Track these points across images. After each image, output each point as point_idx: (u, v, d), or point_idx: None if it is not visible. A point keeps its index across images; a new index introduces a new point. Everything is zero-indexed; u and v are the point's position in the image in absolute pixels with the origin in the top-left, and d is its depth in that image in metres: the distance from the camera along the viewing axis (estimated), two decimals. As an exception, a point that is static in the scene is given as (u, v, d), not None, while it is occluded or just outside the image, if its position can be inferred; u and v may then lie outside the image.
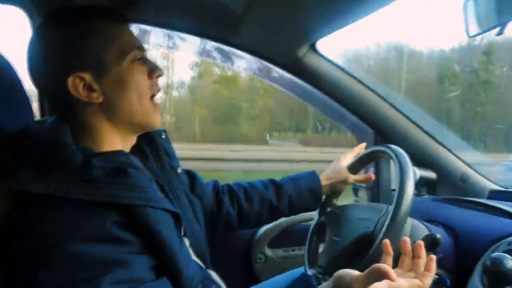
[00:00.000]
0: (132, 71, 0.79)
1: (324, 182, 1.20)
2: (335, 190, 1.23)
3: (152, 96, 0.83)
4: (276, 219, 1.26)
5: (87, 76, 0.75)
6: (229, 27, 1.18)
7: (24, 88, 0.85)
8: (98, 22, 0.77)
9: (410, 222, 1.01)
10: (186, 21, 1.24)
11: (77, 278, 0.62)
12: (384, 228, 0.87)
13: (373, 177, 1.26)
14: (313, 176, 1.21)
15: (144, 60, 0.82)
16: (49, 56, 0.76)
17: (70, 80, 0.74)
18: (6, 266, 0.67)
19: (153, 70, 0.82)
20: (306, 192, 1.18)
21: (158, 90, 0.85)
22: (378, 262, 0.84)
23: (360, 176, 1.24)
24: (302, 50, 1.29)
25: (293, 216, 1.49)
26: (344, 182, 1.21)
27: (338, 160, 1.24)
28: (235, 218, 1.15)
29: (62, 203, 0.65)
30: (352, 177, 1.21)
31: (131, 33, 0.83)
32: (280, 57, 1.35)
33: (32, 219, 0.66)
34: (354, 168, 1.21)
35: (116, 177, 0.70)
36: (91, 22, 0.77)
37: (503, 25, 0.83)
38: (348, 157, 1.24)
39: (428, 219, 1.13)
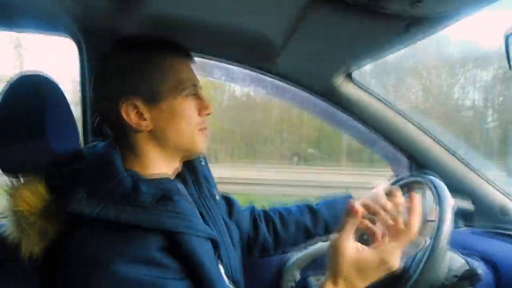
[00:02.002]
0: (184, 106, 0.81)
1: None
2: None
3: (201, 129, 0.85)
4: (312, 244, 1.26)
5: (140, 104, 0.78)
6: (268, 56, 1.22)
7: (72, 112, 0.90)
8: (160, 54, 0.81)
9: (449, 255, 0.99)
10: (226, 50, 1.29)
11: None
12: (422, 264, 0.85)
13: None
14: (349, 200, 1.20)
15: (197, 96, 0.85)
16: (108, 79, 0.81)
17: (123, 106, 0.78)
18: (55, 284, 0.71)
19: (203, 108, 0.85)
20: (342, 216, 1.17)
21: (205, 126, 0.87)
22: None
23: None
24: (338, 79, 1.31)
25: (326, 244, 1.48)
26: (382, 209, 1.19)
27: (378, 184, 1.22)
28: (271, 243, 1.16)
29: (111, 226, 0.67)
30: (390, 204, 1.19)
31: (190, 69, 0.85)
32: (316, 85, 1.37)
33: (82, 240, 0.69)
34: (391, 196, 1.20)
35: (163, 204, 0.72)
36: (153, 53, 0.80)
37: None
38: (384, 184, 1.23)
39: (467, 253, 1.10)
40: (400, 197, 1.18)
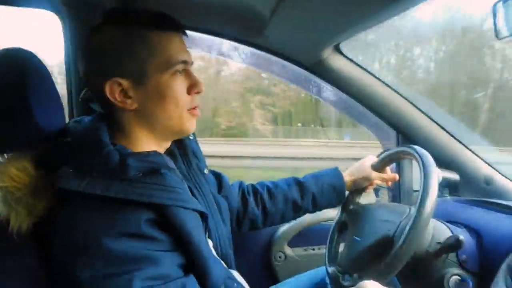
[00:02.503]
0: (171, 84, 0.78)
1: (347, 178, 1.21)
2: (358, 187, 1.24)
3: (190, 109, 0.83)
4: (300, 216, 1.28)
5: (125, 83, 0.76)
6: (255, 28, 1.20)
7: (56, 87, 0.89)
8: (146, 30, 0.77)
9: (433, 223, 1.01)
10: (212, 22, 1.27)
11: (111, 272, 0.65)
12: (406, 231, 0.87)
13: (397, 177, 1.26)
14: (336, 173, 1.22)
15: (186, 74, 0.82)
16: (93, 57, 0.79)
17: (108, 84, 0.76)
18: (46, 259, 0.71)
19: (193, 86, 0.82)
20: (329, 189, 1.19)
21: (197, 105, 0.84)
22: (398, 266, 0.86)
23: (384, 174, 1.24)
24: (326, 52, 1.30)
25: (313, 215, 1.50)
26: (368, 179, 1.22)
27: (365, 158, 1.25)
28: (260, 217, 1.18)
29: (99, 200, 0.68)
30: (375, 175, 1.22)
31: (179, 44, 0.81)
32: (304, 58, 1.37)
33: (70, 215, 0.69)
34: (377, 167, 1.22)
35: (151, 177, 0.72)
36: (139, 29, 0.77)
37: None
38: (372, 156, 1.25)
39: (451, 221, 1.13)
40: (386, 170, 1.21)
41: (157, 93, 0.78)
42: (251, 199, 1.18)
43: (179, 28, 0.81)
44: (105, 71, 0.77)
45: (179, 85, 0.80)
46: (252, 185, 1.22)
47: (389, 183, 1.28)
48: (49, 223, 0.71)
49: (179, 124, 0.82)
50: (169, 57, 0.78)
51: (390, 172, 1.26)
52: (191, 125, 0.84)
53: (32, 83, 0.79)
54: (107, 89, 0.76)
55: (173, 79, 0.79)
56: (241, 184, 1.21)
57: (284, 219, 1.23)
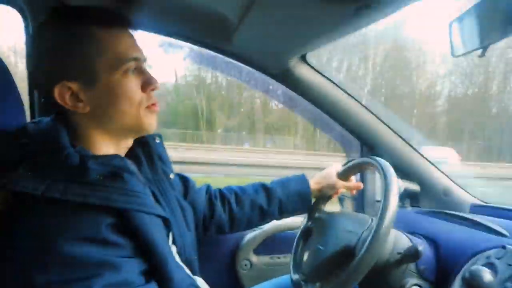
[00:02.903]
0: (124, 83, 0.76)
1: (313, 186, 1.22)
2: (324, 195, 1.25)
3: (148, 106, 0.80)
4: (267, 222, 1.28)
5: (75, 86, 0.73)
6: (222, 35, 1.19)
7: (17, 87, 0.85)
8: (94, 28, 0.74)
9: (394, 233, 1.03)
10: (179, 27, 1.26)
11: (68, 278, 0.63)
12: (366, 243, 0.88)
13: (362, 185, 1.28)
14: (302, 180, 1.23)
15: (139, 71, 0.79)
16: (39, 61, 0.76)
17: (57, 89, 0.73)
18: (2, 260, 0.67)
19: (147, 83, 0.80)
20: (295, 195, 1.20)
21: (154, 102, 0.82)
22: (358, 277, 0.87)
23: (349, 183, 1.26)
24: (292, 61, 1.31)
25: (279, 223, 1.51)
26: (333, 187, 1.23)
27: (331, 166, 1.27)
28: (227, 222, 1.17)
29: (57, 204, 0.65)
30: (341, 183, 1.23)
31: (129, 41, 0.78)
32: (271, 66, 1.37)
33: (26, 219, 0.66)
34: (342, 176, 1.23)
35: (112, 181, 0.70)
36: (85, 27, 0.73)
37: (485, 48, 0.86)
38: (338, 165, 1.27)
39: (411, 231, 1.15)
40: (351, 179, 1.23)
41: (110, 94, 0.75)
42: (218, 204, 1.16)
43: (128, 24, 0.79)
44: (53, 75, 0.74)
45: (132, 83, 0.77)
46: (220, 190, 1.21)
47: (354, 192, 1.30)
48: (4, 226, 0.67)
49: (137, 122, 0.80)
50: (119, 55, 0.75)
51: (354, 181, 1.28)
52: (150, 122, 0.82)
53: None
54: (56, 94, 0.73)
55: (125, 78, 0.76)
56: (208, 188, 1.20)
57: (250, 225, 1.22)
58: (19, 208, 0.67)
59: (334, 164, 1.27)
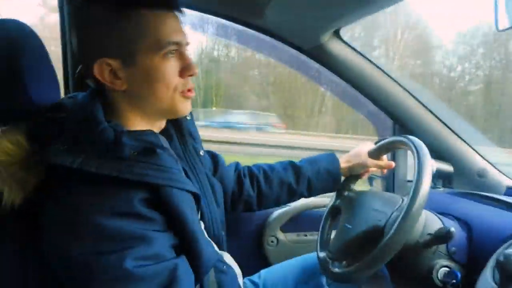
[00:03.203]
0: (162, 66, 0.75)
1: (343, 164, 1.21)
2: (354, 173, 1.23)
3: (183, 91, 0.80)
4: (295, 201, 1.28)
5: (115, 63, 0.74)
6: (254, 9, 1.18)
7: (52, 63, 0.87)
8: (138, 7, 0.73)
9: (425, 214, 1.01)
10: (211, 2, 1.24)
11: (102, 250, 0.65)
12: (396, 223, 0.87)
13: (393, 165, 1.25)
14: (332, 158, 1.22)
15: (180, 56, 0.78)
16: (83, 36, 0.76)
17: (96, 64, 0.74)
18: (36, 235, 0.71)
19: (185, 69, 0.79)
20: (324, 174, 1.19)
21: (190, 88, 0.81)
22: (386, 257, 0.87)
23: (380, 161, 1.23)
24: (325, 36, 1.28)
25: (307, 201, 1.51)
26: (364, 165, 1.21)
27: (362, 144, 1.24)
28: (255, 199, 1.18)
29: (92, 178, 0.67)
30: (372, 162, 1.21)
31: (173, 24, 0.77)
32: (303, 42, 1.35)
33: (63, 192, 0.69)
34: (374, 155, 1.21)
35: (145, 156, 0.71)
36: (130, 6, 0.73)
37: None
38: (369, 144, 1.24)
39: (443, 212, 1.13)
40: (382, 158, 1.20)
41: (147, 75, 0.75)
42: (246, 181, 1.17)
43: (173, 7, 0.78)
44: (93, 51, 0.74)
45: (170, 67, 0.76)
46: (248, 167, 1.21)
47: (384, 171, 1.27)
48: (42, 199, 0.70)
49: (171, 106, 0.80)
50: (160, 38, 0.74)
51: (386, 160, 1.26)
52: (184, 107, 0.82)
53: (26, 56, 0.78)
54: (96, 69, 0.74)
55: (164, 61, 0.75)
56: (237, 166, 1.20)
57: (278, 203, 1.23)
58: (56, 181, 0.70)
59: (365, 143, 1.25)
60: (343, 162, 1.21)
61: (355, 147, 1.25)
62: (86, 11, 0.76)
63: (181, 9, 0.80)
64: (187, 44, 0.81)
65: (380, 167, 1.24)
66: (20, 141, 0.72)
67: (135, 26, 0.73)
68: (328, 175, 1.19)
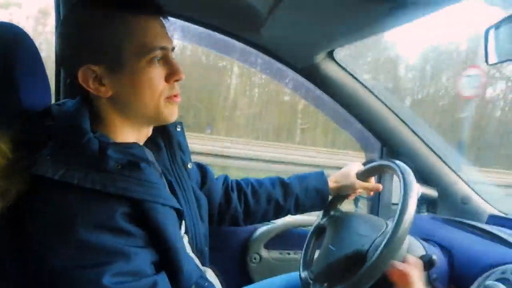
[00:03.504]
0: (148, 72, 0.74)
1: (331, 184, 1.21)
2: (341, 193, 1.23)
3: (169, 97, 0.79)
4: (282, 217, 1.27)
5: (99, 70, 0.73)
6: (251, 26, 1.19)
7: (45, 68, 0.86)
8: (123, 13, 0.72)
9: (408, 239, 1.01)
10: (209, 16, 1.25)
11: (82, 263, 0.64)
12: (379, 250, 0.87)
13: (381, 187, 1.25)
14: (321, 177, 1.21)
15: (165, 61, 0.77)
16: (68, 41, 0.76)
17: (81, 71, 0.73)
18: (16, 246, 0.69)
19: (172, 74, 0.78)
20: (313, 192, 1.19)
21: (176, 93, 0.80)
22: (367, 283, 0.87)
23: (368, 184, 1.23)
24: (319, 57, 1.30)
25: (292, 219, 1.51)
26: (352, 187, 1.21)
27: (351, 164, 1.24)
28: (242, 214, 1.17)
29: (75, 190, 0.66)
30: (360, 183, 1.21)
31: (158, 29, 0.76)
32: (297, 61, 1.36)
33: (44, 202, 0.67)
34: (361, 176, 1.22)
35: (129, 170, 0.70)
36: (115, 12, 0.72)
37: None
38: (357, 164, 1.25)
39: (426, 238, 1.14)
40: (370, 180, 1.21)
41: (132, 81, 0.74)
42: (234, 196, 1.16)
43: (159, 12, 0.77)
44: (77, 56, 0.74)
45: (156, 72, 0.75)
46: (237, 181, 1.20)
47: (371, 193, 1.28)
48: (23, 208, 0.69)
49: (157, 112, 0.78)
50: (146, 43, 0.73)
51: (373, 182, 1.27)
52: (170, 113, 0.80)
53: (20, 59, 0.77)
54: (80, 76, 0.73)
55: (150, 66, 0.74)
56: (225, 179, 1.19)
57: (265, 218, 1.22)
58: (38, 191, 0.68)
59: (354, 163, 1.25)
60: (332, 181, 1.22)
61: (344, 167, 1.26)
62: (73, 15, 0.76)
63: (166, 14, 0.79)
64: (173, 49, 0.80)
65: (368, 189, 1.25)
66: (3, 148, 0.70)
67: (119, 32, 0.72)
68: (317, 194, 1.19)
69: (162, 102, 0.78)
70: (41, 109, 0.78)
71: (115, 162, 0.70)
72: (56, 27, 1.25)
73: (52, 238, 0.65)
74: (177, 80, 0.79)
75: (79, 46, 0.74)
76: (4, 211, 0.69)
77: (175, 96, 0.80)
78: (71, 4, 0.78)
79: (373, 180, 1.26)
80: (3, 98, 0.76)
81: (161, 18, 0.78)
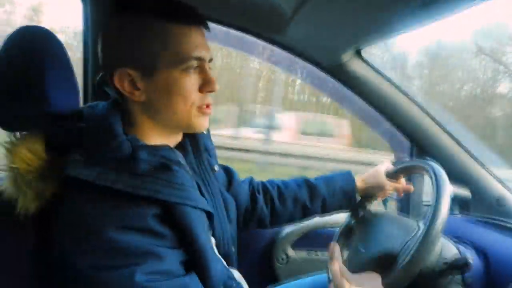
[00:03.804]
0: (182, 80, 0.75)
1: (360, 184, 1.19)
2: (370, 194, 1.21)
3: (200, 106, 0.79)
4: (309, 218, 1.25)
5: (135, 74, 0.74)
6: (277, 26, 1.19)
7: (73, 71, 0.88)
8: (162, 21, 0.73)
9: (441, 241, 0.99)
10: (234, 17, 1.25)
11: (113, 264, 0.65)
12: (411, 252, 0.85)
13: (412, 188, 1.22)
14: (348, 177, 1.19)
15: (201, 71, 0.78)
16: (107, 44, 0.77)
17: (117, 73, 0.74)
18: (45, 247, 0.71)
19: (205, 85, 0.78)
20: (340, 193, 1.17)
21: (208, 104, 0.80)
22: (399, 285, 0.85)
23: (399, 184, 1.21)
24: (346, 55, 1.28)
25: (320, 219, 1.49)
26: (381, 187, 1.18)
27: (381, 164, 1.22)
28: (268, 216, 1.16)
29: (106, 191, 0.67)
30: (390, 184, 1.18)
31: (196, 38, 0.76)
32: (324, 60, 1.35)
33: (77, 203, 0.69)
34: (391, 176, 1.19)
35: (161, 173, 0.71)
36: (154, 19, 0.73)
37: None
38: (386, 164, 1.22)
39: (459, 239, 1.11)
40: (400, 180, 1.18)
41: (166, 88, 0.75)
42: (260, 198, 1.15)
43: (199, 22, 0.78)
44: (115, 60, 0.75)
45: (190, 82, 0.76)
46: (263, 183, 1.20)
47: (401, 194, 1.25)
48: (55, 208, 0.71)
49: (187, 121, 0.79)
50: (183, 52, 0.74)
51: (404, 183, 1.23)
52: (201, 123, 0.81)
53: (50, 63, 0.79)
54: (116, 78, 0.75)
55: (184, 75, 0.75)
56: (251, 181, 1.19)
57: (292, 220, 1.21)
58: (71, 192, 0.70)
59: (383, 163, 1.23)
60: (360, 182, 1.19)
61: (373, 167, 1.23)
62: (113, 20, 0.77)
63: (207, 24, 0.80)
64: (211, 60, 0.81)
65: (398, 190, 1.22)
66: (38, 150, 0.73)
67: (158, 39, 0.73)
68: (344, 195, 1.17)
69: (194, 111, 0.79)
70: (71, 111, 0.80)
71: (147, 164, 0.71)
72: (86, 30, 1.28)
73: (82, 238, 0.66)
74: (210, 91, 0.79)
75: (117, 50, 0.75)
76: (37, 211, 0.71)
77: (207, 107, 0.80)
78: (99, 5, 0.79)
79: (403, 180, 1.23)
80: (34, 100, 0.78)
81: (202, 28, 0.79)
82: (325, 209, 1.19)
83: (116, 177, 0.68)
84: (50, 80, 0.78)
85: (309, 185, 1.18)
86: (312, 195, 1.17)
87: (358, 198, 1.21)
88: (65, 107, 0.81)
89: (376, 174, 1.20)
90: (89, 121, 0.77)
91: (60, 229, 0.69)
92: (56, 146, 0.75)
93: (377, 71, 1.33)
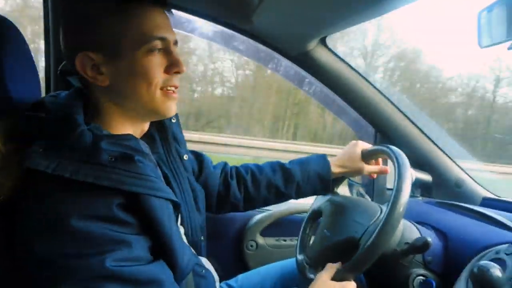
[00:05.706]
0: (146, 62, 0.73)
1: (336, 169, 1.17)
2: (344, 177, 1.21)
3: (165, 88, 0.77)
4: (282, 202, 1.23)
5: (97, 57, 0.72)
6: (243, 14, 1.18)
7: (33, 59, 0.85)
8: (124, 1, 0.72)
9: (403, 223, 1.03)
10: (200, 5, 1.24)
11: (82, 251, 0.64)
12: (372, 237, 0.88)
13: (388, 170, 1.21)
14: (323, 162, 1.17)
15: (166, 52, 0.77)
16: (67, 28, 0.75)
17: (79, 58, 0.72)
18: (11, 239, 0.68)
19: (172, 65, 0.77)
20: (314, 178, 1.16)
21: (174, 85, 0.79)
22: (361, 268, 0.88)
23: (375, 167, 1.20)
24: (311, 44, 1.29)
25: (289, 207, 1.51)
26: (359, 171, 1.18)
27: (354, 145, 1.19)
28: (241, 201, 1.16)
29: (68, 182, 0.65)
30: (367, 167, 1.17)
31: (159, 19, 0.75)
32: (290, 48, 1.36)
33: (38, 195, 0.67)
34: (366, 158, 1.18)
35: (123, 163, 0.70)
36: (117, 2, 0.72)
37: (512, 40, 0.83)
38: (359, 145, 1.19)
39: (420, 221, 1.15)
40: (378, 161, 1.20)
41: (130, 70, 0.73)
42: (233, 183, 1.15)
43: (160, 3, 0.76)
44: (77, 44, 0.73)
45: (154, 63, 0.74)
46: (236, 168, 1.19)
47: (374, 176, 1.27)
48: (16, 202, 0.68)
49: (152, 105, 0.78)
50: (145, 32, 0.73)
51: (381, 165, 1.22)
52: (167, 107, 0.79)
53: (7, 51, 0.76)
54: (77, 63, 0.73)
55: (148, 56, 0.74)
56: (224, 167, 1.18)
57: (266, 204, 1.21)
58: (32, 185, 0.68)
59: (356, 144, 1.19)
60: (336, 166, 1.18)
61: (345, 149, 1.21)
62: (73, 3, 0.75)
63: (170, 8, 0.79)
64: (175, 42, 0.79)
65: (375, 173, 1.22)
66: None
67: (119, 20, 0.72)
68: (318, 179, 1.16)
69: (158, 93, 0.77)
70: (32, 101, 0.77)
71: (109, 155, 0.69)
72: (46, 19, 1.24)
73: (49, 229, 0.64)
74: (177, 72, 0.78)
75: (78, 33, 0.73)
76: None
77: (173, 91, 0.79)
78: None
79: (380, 162, 1.22)
80: None
81: (165, 11, 0.77)
82: (300, 194, 1.18)
83: (76, 168, 0.66)
84: (9, 70, 0.75)
85: (283, 170, 1.17)
86: (286, 180, 1.16)
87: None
88: (26, 98, 0.78)
89: (353, 157, 1.18)
90: (50, 111, 0.75)
91: (24, 221, 0.67)
92: (17, 137, 0.72)
93: (341, 59, 1.36)
